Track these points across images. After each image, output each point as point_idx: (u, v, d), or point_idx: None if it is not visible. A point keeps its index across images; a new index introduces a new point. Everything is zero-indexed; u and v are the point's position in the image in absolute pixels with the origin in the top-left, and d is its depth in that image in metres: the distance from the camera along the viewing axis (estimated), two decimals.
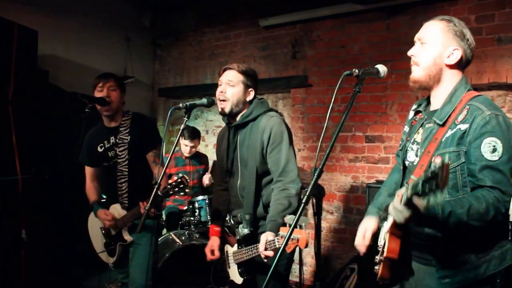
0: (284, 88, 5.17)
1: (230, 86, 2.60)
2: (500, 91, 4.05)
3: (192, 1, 5.91)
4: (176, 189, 2.44)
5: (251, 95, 2.66)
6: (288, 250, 2.13)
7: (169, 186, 2.42)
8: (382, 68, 1.89)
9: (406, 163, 2.01)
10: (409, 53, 1.93)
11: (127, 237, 3.05)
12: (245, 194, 2.61)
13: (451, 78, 1.89)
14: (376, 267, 1.98)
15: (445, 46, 1.86)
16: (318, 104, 4.85)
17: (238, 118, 2.66)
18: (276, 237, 2.24)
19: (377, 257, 1.97)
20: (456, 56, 1.86)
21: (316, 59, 4.88)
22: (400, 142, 2.18)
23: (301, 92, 4.98)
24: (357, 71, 1.79)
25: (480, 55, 3.92)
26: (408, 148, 2.00)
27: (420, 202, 1.50)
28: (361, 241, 2.03)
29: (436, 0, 4.11)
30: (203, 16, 5.91)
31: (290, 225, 2.00)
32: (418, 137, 1.97)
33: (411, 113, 2.14)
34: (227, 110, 2.61)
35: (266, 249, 2.27)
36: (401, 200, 1.56)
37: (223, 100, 2.60)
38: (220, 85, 2.64)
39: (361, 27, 4.57)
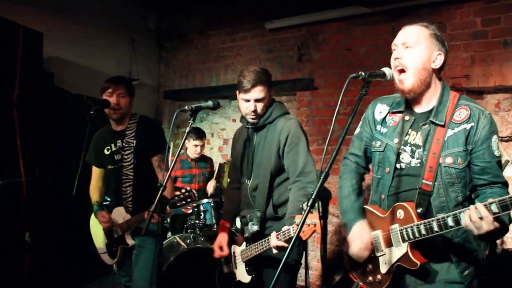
0: (289, 90, 5.16)
1: (261, 103, 2.61)
2: (507, 94, 4.03)
3: (198, 3, 5.91)
4: (184, 202, 2.44)
5: (272, 94, 2.71)
6: (305, 237, 2.12)
7: (176, 198, 2.42)
8: (388, 71, 1.89)
9: (399, 165, 2.00)
10: (395, 56, 1.93)
11: (130, 241, 3.04)
12: (258, 193, 2.63)
13: (437, 82, 1.97)
14: (378, 276, 1.98)
15: (431, 51, 1.92)
16: (324, 106, 4.84)
17: None
18: (291, 226, 2.24)
19: (383, 269, 1.96)
20: (440, 60, 1.93)
21: (322, 62, 4.87)
22: (374, 144, 2.12)
23: (307, 94, 4.97)
24: (363, 73, 1.77)
25: (486, 58, 3.90)
26: (400, 151, 2.00)
27: None
28: (365, 248, 2.00)
29: (442, 3, 4.10)
30: (209, 18, 5.91)
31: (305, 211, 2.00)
32: (413, 139, 1.98)
33: (382, 113, 2.13)
34: (257, 122, 2.66)
35: (277, 238, 2.29)
36: (489, 212, 1.60)
37: (255, 116, 2.63)
38: (248, 100, 2.60)
39: (366, 30, 4.56)
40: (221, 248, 2.81)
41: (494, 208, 1.59)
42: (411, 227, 1.85)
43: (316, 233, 2.11)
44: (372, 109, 2.19)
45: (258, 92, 2.58)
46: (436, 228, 1.76)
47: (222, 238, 2.83)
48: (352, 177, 2.21)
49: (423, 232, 1.80)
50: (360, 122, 2.24)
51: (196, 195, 2.50)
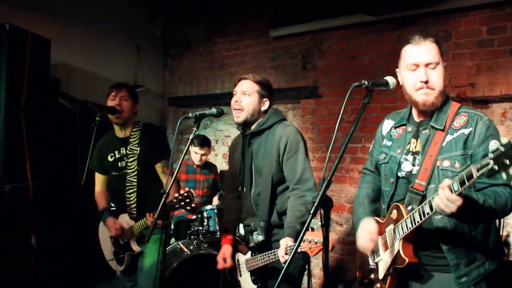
0: (294, 98, 5.17)
1: (245, 96, 2.62)
2: None
3: (203, 11, 5.96)
4: (182, 203, 2.45)
5: (265, 105, 2.68)
6: (312, 254, 2.16)
7: (175, 200, 2.43)
8: (391, 80, 1.90)
9: (400, 174, 2.04)
10: (422, 78, 1.93)
11: (135, 247, 3.05)
12: (260, 202, 2.62)
13: None
14: (378, 285, 1.98)
15: (443, 65, 1.96)
16: (328, 114, 4.84)
17: (253, 127, 2.68)
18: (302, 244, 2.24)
19: (380, 274, 1.97)
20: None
21: (326, 70, 4.87)
22: (379, 157, 2.19)
23: (311, 102, 4.97)
24: (366, 82, 1.79)
25: (492, 66, 3.88)
26: (401, 160, 2.04)
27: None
28: (370, 239, 2.06)
29: (447, 11, 4.09)
30: (214, 26, 5.94)
31: (313, 229, 2.03)
32: (414, 146, 2.02)
33: (387, 128, 2.20)
34: (241, 119, 2.63)
35: (286, 253, 2.28)
36: (451, 191, 1.62)
37: (238, 109, 2.62)
38: (235, 94, 2.65)
39: (371, 38, 4.56)
40: (224, 260, 2.82)
41: (455, 186, 1.61)
42: (400, 223, 1.90)
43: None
44: (381, 126, 2.26)
45: (245, 84, 2.62)
46: (418, 218, 1.80)
47: (226, 250, 2.83)
48: (368, 186, 2.29)
49: (409, 225, 1.84)
50: (373, 140, 2.31)
51: (194, 195, 2.49)
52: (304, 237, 2.15)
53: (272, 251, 2.46)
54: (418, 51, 1.94)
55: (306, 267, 2.75)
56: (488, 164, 1.45)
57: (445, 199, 1.63)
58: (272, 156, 2.59)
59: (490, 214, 1.79)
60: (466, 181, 1.56)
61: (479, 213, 1.75)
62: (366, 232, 2.08)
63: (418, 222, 1.80)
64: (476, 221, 1.85)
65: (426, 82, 1.91)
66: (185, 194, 2.43)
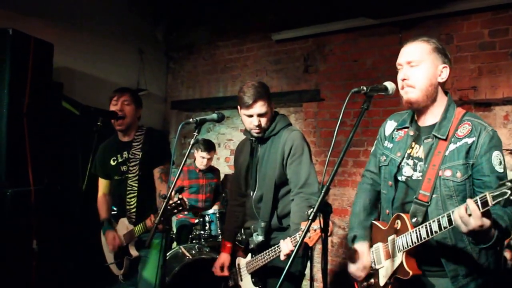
0: (296, 102, 5.17)
1: (263, 117, 2.64)
2: None
3: (206, 15, 5.98)
4: (175, 210, 2.44)
5: (273, 107, 2.73)
6: (311, 243, 2.14)
7: (168, 207, 2.42)
8: (390, 85, 1.89)
9: (401, 178, 2.03)
10: (401, 76, 1.94)
11: (133, 252, 3.05)
12: (263, 203, 2.65)
13: (443, 95, 1.98)
14: None
15: (435, 65, 1.93)
16: (330, 118, 4.83)
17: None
18: (297, 233, 2.26)
19: (381, 281, 1.96)
20: (446, 73, 1.95)
21: (329, 73, 4.87)
22: (381, 159, 2.18)
23: (313, 106, 4.97)
24: (365, 88, 1.79)
25: (494, 69, 3.87)
26: (402, 164, 2.02)
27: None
28: (363, 269, 2.05)
29: (448, 14, 4.09)
30: (216, 29, 5.96)
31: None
32: (415, 152, 2.00)
33: (390, 129, 2.18)
34: (262, 134, 2.68)
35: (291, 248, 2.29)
36: (479, 208, 1.57)
37: (260, 130, 2.65)
38: (251, 116, 2.63)
39: (373, 41, 4.56)
40: (222, 268, 2.84)
41: (468, 211, 1.59)
42: (405, 235, 1.87)
43: (319, 245, 2.12)
44: (384, 126, 2.24)
45: (259, 107, 2.60)
46: (424, 235, 1.78)
47: (225, 259, 2.87)
48: (366, 196, 2.26)
49: (415, 239, 1.82)
50: (376, 140, 2.30)
51: (187, 203, 2.48)
52: (302, 226, 2.15)
53: (272, 248, 2.47)
54: (403, 52, 1.97)
55: (305, 272, 2.74)
56: (505, 193, 1.45)
57: (459, 218, 1.61)
58: (276, 159, 2.62)
59: (506, 235, 1.75)
60: (480, 208, 1.55)
61: (498, 238, 1.69)
62: (359, 262, 2.07)
63: (424, 238, 1.78)
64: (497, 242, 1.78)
65: (405, 80, 1.92)
66: (178, 202, 2.42)
